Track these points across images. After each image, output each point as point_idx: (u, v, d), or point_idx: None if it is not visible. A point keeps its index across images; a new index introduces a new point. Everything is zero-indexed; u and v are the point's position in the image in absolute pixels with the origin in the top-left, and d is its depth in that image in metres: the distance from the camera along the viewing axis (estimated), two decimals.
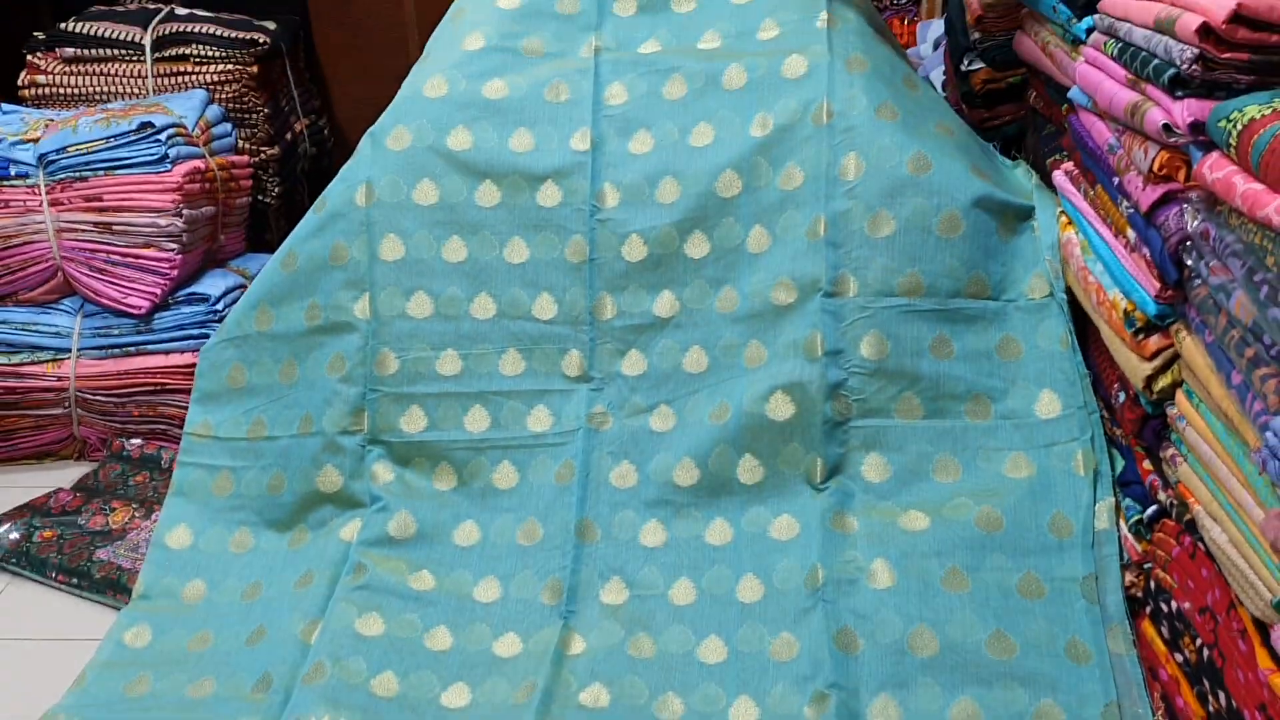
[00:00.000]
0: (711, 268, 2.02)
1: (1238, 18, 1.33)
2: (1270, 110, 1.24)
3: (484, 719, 1.71)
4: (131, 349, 2.52)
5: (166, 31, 3.02)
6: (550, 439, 2.01)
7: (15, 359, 2.53)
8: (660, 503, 1.93)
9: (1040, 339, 1.92)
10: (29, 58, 3.05)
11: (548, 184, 2.08)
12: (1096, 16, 1.74)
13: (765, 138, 2.02)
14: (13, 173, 2.49)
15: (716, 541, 1.89)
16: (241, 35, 3.04)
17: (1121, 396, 1.74)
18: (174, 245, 2.50)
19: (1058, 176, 1.99)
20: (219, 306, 2.53)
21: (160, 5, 3.21)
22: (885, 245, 1.94)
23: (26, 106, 2.91)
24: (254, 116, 3.08)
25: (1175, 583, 1.51)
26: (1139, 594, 1.67)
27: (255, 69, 3.03)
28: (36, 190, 2.48)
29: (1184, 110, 1.41)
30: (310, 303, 2.11)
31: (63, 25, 3.04)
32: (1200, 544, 1.45)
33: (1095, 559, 1.74)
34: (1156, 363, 1.57)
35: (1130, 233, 1.64)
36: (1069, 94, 1.86)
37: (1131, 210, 1.62)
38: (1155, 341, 1.57)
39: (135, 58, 3.00)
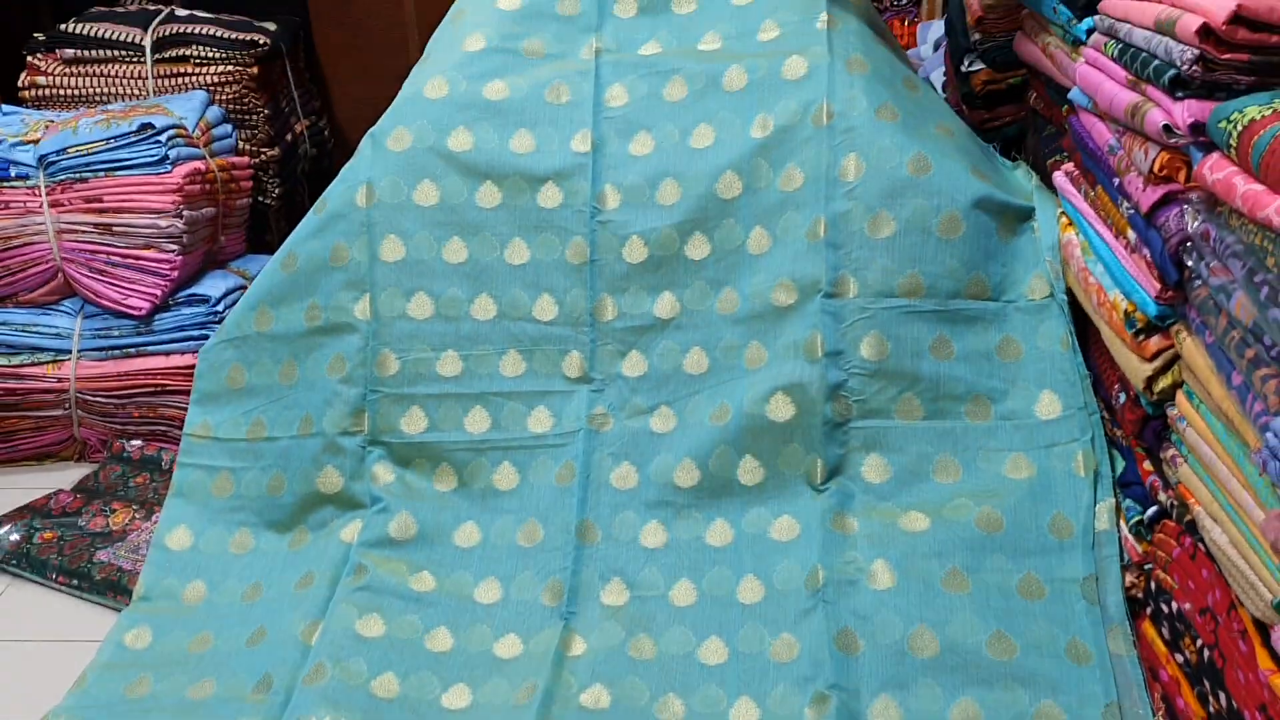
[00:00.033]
0: (712, 269, 2.03)
1: (1238, 19, 1.33)
2: (1270, 111, 1.24)
3: None
4: (132, 350, 2.52)
5: (166, 32, 3.01)
6: (551, 440, 2.01)
7: (15, 360, 2.53)
8: (661, 504, 1.93)
9: (1040, 340, 1.92)
10: (29, 59, 3.04)
11: (548, 185, 2.08)
12: (1097, 17, 1.75)
13: (765, 139, 2.02)
14: (13, 174, 2.49)
15: (717, 542, 1.89)
16: (241, 36, 3.04)
17: (1122, 397, 1.74)
18: (174, 246, 2.50)
19: (1058, 177, 1.99)
20: (219, 308, 2.53)
21: (160, 6, 3.21)
22: (885, 246, 1.94)
23: (27, 108, 2.91)
24: (254, 117, 3.08)
25: (1176, 583, 1.51)
26: (1139, 595, 1.67)
27: (255, 70, 3.03)
28: (37, 191, 2.48)
29: (1184, 111, 1.42)
30: (310, 303, 2.11)
31: (63, 26, 3.04)
32: (1201, 545, 1.45)
33: (1096, 560, 1.74)
34: (1157, 363, 1.57)
35: (1131, 233, 1.64)
36: (1069, 95, 1.86)
37: (1132, 211, 1.62)
38: (1156, 342, 1.57)
39: (135, 59, 3.00)
